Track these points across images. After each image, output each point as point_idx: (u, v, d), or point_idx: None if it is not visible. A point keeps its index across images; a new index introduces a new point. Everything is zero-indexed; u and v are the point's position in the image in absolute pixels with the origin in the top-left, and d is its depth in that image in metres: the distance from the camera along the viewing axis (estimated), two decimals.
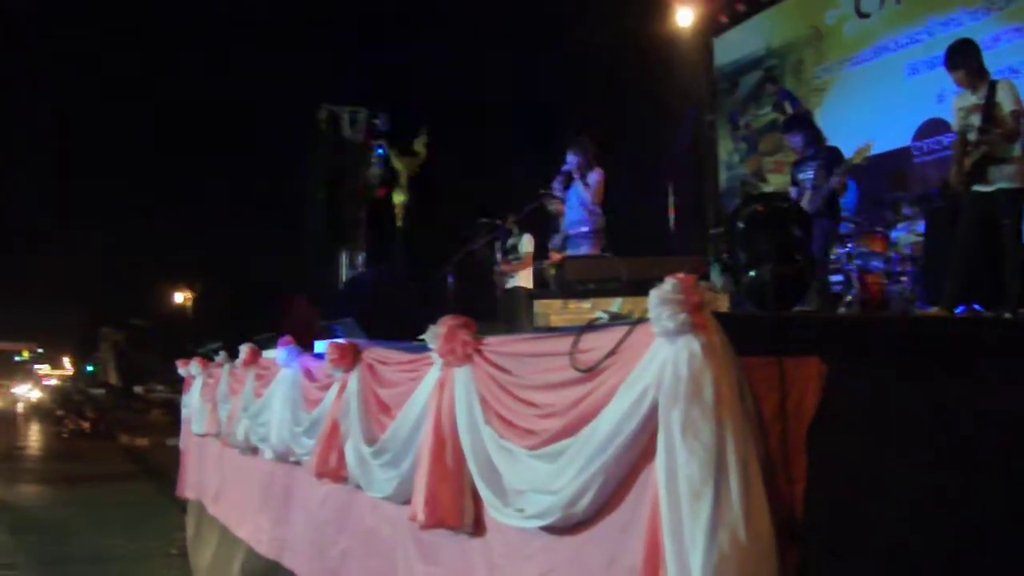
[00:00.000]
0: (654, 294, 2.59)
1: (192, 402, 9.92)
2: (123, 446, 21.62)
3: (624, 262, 3.37)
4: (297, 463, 6.44)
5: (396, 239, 12.95)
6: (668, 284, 2.59)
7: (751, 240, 3.08)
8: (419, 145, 13.46)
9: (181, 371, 10.45)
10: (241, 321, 10.94)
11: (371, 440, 4.83)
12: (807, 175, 7.89)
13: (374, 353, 5.28)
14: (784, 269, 2.96)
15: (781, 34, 13.38)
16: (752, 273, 2.97)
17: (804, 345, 2.86)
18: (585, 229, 8.35)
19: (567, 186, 8.82)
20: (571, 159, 8.67)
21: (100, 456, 19.22)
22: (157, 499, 13.09)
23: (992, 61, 10.36)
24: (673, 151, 13.93)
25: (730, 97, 14.27)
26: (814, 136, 8.02)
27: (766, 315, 2.90)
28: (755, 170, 13.67)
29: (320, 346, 7.00)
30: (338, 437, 5.32)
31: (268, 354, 8.05)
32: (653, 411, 2.62)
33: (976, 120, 6.60)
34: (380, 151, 14.11)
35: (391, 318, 6.39)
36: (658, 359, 2.62)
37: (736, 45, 14.16)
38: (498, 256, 10.86)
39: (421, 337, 4.29)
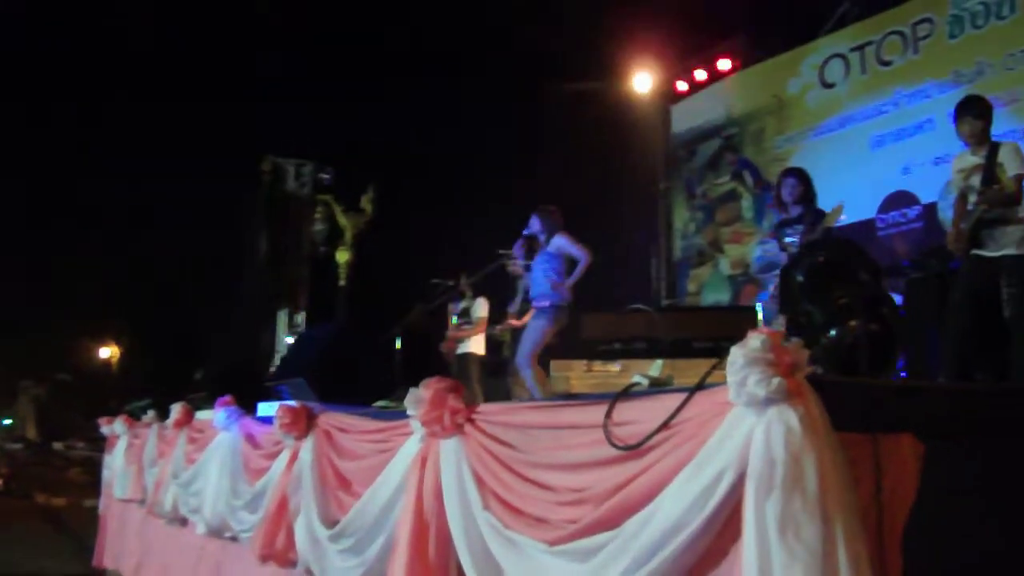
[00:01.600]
0: (738, 353, 2.04)
1: (115, 463, 9.05)
2: (39, 505, 20.29)
3: (662, 317, 2.81)
4: (234, 539, 5.74)
5: (339, 299, 12.28)
6: (756, 340, 2.04)
7: (819, 294, 2.58)
8: (366, 202, 12.86)
9: (104, 429, 9.61)
10: (172, 379, 10.15)
11: (329, 521, 4.17)
12: (794, 239, 7.35)
13: (332, 419, 4.64)
14: (874, 327, 2.47)
15: (741, 102, 13.10)
16: (832, 332, 2.46)
17: (894, 419, 2.33)
18: (547, 303, 7.63)
19: (529, 251, 8.14)
20: (535, 224, 8.01)
21: (12, 515, 17.92)
22: (71, 565, 12.04)
23: None
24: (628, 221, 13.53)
25: (687, 165, 13.93)
26: (807, 194, 7.45)
27: (859, 382, 2.39)
28: (712, 240, 13.30)
29: (264, 409, 6.33)
30: (287, 515, 4.66)
31: (203, 415, 7.35)
32: (731, 500, 2.06)
33: (976, 181, 6.23)
34: (325, 206, 13.51)
35: (348, 381, 5.74)
36: (738, 435, 2.06)
37: (694, 113, 13.85)
38: (453, 319, 10.30)
39: (381, 404, 3.70)
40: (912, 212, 10.63)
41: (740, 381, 2.02)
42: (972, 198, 6.25)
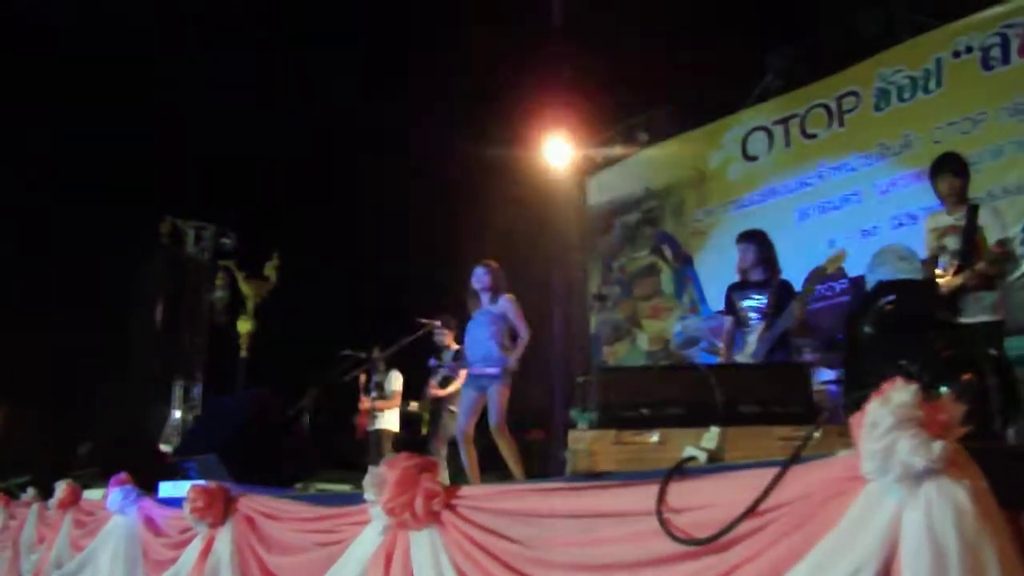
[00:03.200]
0: (883, 412, 1.50)
1: None
2: None
3: (712, 372, 2.27)
4: None
5: (239, 371, 11.46)
6: (904, 394, 1.51)
7: (904, 347, 2.09)
8: (270, 269, 12.13)
9: None
10: (55, 454, 9.19)
11: None
12: (754, 303, 6.81)
13: (256, 503, 3.95)
14: (993, 379, 2.00)
15: (661, 175, 12.83)
16: (943, 389, 1.97)
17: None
18: (497, 369, 7.02)
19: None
20: (480, 275, 7.42)
21: None
22: None
23: (888, 207, 10.15)
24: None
25: (603, 238, 13.58)
26: (768, 257, 6.96)
27: (1005, 448, 1.90)
28: (629, 315, 12.90)
29: (167, 489, 5.55)
30: None
31: (92, 495, 6.52)
32: None
33: (952, 243, 5.94)
34: (226, 272, 12.71)
35: (267, 459, 5.03)
36: (880, 519, 1.51)
37: (612, 185, 13.52)
38: (372, 394, 9.63)
39: (303, 484, 3.05)
40: (839, 286, 10.38)
41: (886, 448, 1.48)
42: (945, 259, 5.96)
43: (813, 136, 10.99)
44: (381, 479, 2.67)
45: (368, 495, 2.72)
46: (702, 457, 2.01)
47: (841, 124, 10.72)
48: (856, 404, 1.96)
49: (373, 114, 13.16)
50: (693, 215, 12.28)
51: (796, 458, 1.71)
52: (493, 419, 6.96)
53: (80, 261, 12.17)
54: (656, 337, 12.49)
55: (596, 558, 2.00)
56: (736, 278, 7.17)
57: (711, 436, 2.05)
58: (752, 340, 6.68)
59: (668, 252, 12.55)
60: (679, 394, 2.25)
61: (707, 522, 1.82)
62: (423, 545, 2.53)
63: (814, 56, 11.14)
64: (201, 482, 4.43)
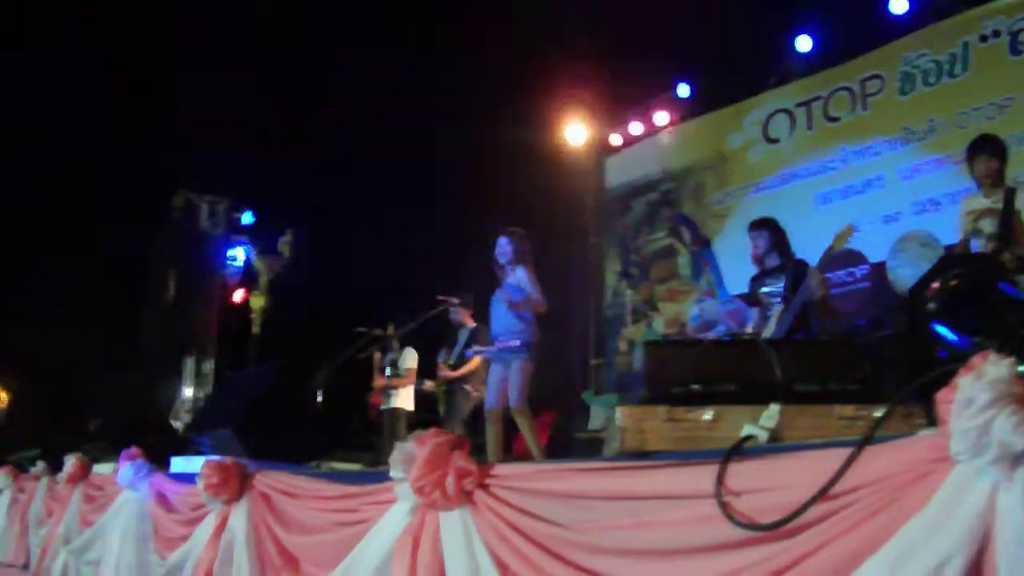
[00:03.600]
0: (978, 387, 1.39)
1: None
2: None
3: (748, 352, 2.15)
4: None
5: (251, 348, 11.36)
6: (1000, 367, 1.39)
7: (969, 321, 1.97)
8: (284, 245, 12.01)
9: None
10: (66, 428, 9.11)
11: None
12: (773, 288, 6.80)
13: (273, 479, 3.85)
14: None
15: (680, 157, 12.68)
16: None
17: None
18: (518, 342, 6.92)
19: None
20: (504, 246, 7.26)
21: None
22: None
23: (911, 193, 10.00)
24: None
25: (620, 220, 13.44)
26: (780, 242, 6.93)
27: None
28: (646, 298, 12.77)
29: (179, 464, 5.46)
30: None
31: (102, 469, 6.44)
32: None
33: (988, 226, 5.82)
34: (240, 247, 12.59)
35: (282, 435, 4.92)
36: (971, 504, 1.40)
37: (629, 167, 13.38)
38: (387, 372, 9.53)
39: (317, 462, 2.96)
40: (860, 271, 10.24)
41: (981, 427, 1.36)
42: (980, 242, 5.84)
43: (836, 119, 10.83)
44: (409, 456, 2.56)
45: (395, 472, 2.60)
46: (762, 436, 1.90)
47: (865, 107, 10.56)
48: (930, 384, 1.86)
49: (392, 89, 13.03)
50: (712, 197, 12.13)
51: (871, 438, 1.59)
52: (514, 396, 6.85)
53: (91, 234, 12.08)
54: (672, 320, 12.36)
55: (647, 543, 1.88)
56: (752, 267, 7.15)
57: (771, 414, 1.94)
58: (772, 322, 6.64)
59: (686, 234, 12.40)
60: (732, 370, 2.13)
61: (770, 506, 1.71)
62: (454, 526, 2.42)
63: (838, 38, 10.97)
64: (216, 457, 4.34)
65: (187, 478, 4.98)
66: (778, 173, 11.25)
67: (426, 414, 9.46)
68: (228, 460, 4.09)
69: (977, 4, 9.71)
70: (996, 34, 9.48)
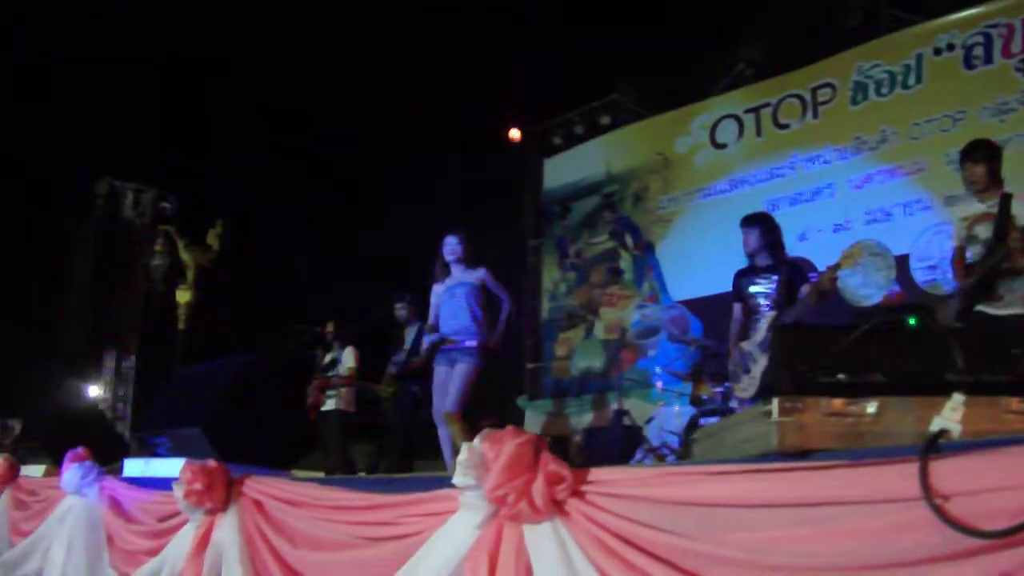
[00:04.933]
0: None
1: None
2: None
3: (891, 338, 1.87)
4: None
5: (177, 343, 10.79)
6: None
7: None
8: (213, 237, 11.47)
9: None
10: None
11: None
12: (762, 288, 6.53)
13: (267, 485, 3.45)
14: None
15: (623, 159, 12.48)
16: None
17: None
18: (473, 343, 6.63)
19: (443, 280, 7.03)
20: (454, 245, 6.97)
21: None
22: None
23: (862, 203, 9.95)
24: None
25: (560, 222, 13.19)
26: (773, 241, 6.66)
27: None
28: (585, 302, 12.54)
29: (135, 467, 4.98)
30: None
31: (30, 471, 5.93)
32: None
33: (984, 231, 5.67)
34: (166, 240, 11.99)
35: (258, 435, 4.51)
36: None
37: (571, 168, 13.13)
38: (328, 372, 9.09)
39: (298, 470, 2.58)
40: (812, 277, 10.16)
41: None
42: (975, 249, 5.71)
43: (786, 126, 10.77)
44: (481, 459, 2.21)
45: (461, 479, 2.25)
46: (955, 431, 1.62)
47: (816, 116, 10.51)
48: None
49: (330, 80, 12.58)
50: (657, 201, 11.97)
51: None
52: (452, 398, 6.49)
53: (6, 223, 11.35)
54: (613, 325, 12.16)
55: (827, 559, 1.59)
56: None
57: (954, 405, 1.66)
58: (763, 327, 6.42)
59: (629, 239, 12.22)
60: (890, 356, 1.85)
61: (987, 511, 1.44)
62: (545, 541, 2.07)
63: (788, 47, 10.92)
64: (197, 460, 3.91)
65: (147, 483, 4.53)
66: (726, 178, 11.14)
67: (367, 417, 9.06)
68: (213, 463, 3.67)
69: (931, 17, 9.73)
70: (950, 47, 9.51)
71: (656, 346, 11.51)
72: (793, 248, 8.28)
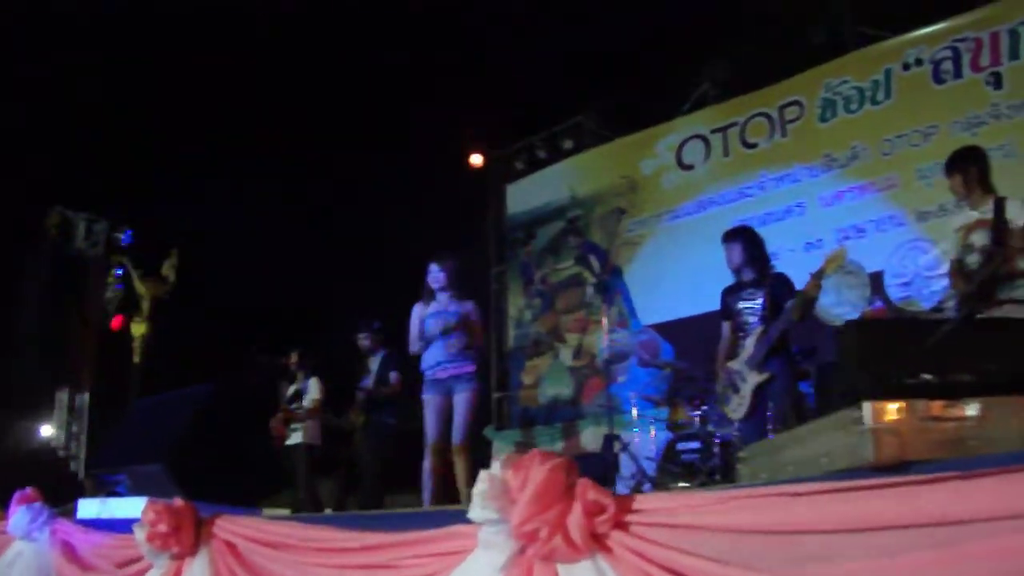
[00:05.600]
0: None
1: None
2: None
3: (974, 335, 1.64)
4: None
5: (132, 378, 10.37)
6: None
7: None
8: (168, 268, 11.08)
9: None
10: None
11: None
12: (749, 304, 6.38)
13: (241, 525, 3.13)
14: None
15: (588, 183, 12.27)
16: None
17: None
18: (467, 369, 6.45)
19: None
20: (436, 273, 6.78)
21: None
22: None
23: (834, 220, 9.82)
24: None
25: (524, 248, 12.95)
26: (756, 255, 6.52)
27: None
28: (551, 328, 12.29)
29: (89, 508, 4.63)
30: None
31: None
32: None
33: (979, 238, 5.52)
34: (120, 272, 11.56)
35: (224, 471, 4.18)
36: None
37: (534, 193, 12.90)
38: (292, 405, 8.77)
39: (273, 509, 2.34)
40: None
41: None
42: (974, 258, 5.55)
43: (754, 146, 10.63)
44: (504, 489, 1.93)
45: (480, 512, 1.96)
46: None
47: (784, 134, 10.40)
48: None
49: (283, 107, 12.28)
50: (624, 225, 11.76)
51: None
52: (460, 431, 6.30)
53: None
54: (581, 351, 11.91)
55: None
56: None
57: None
58: (750, 343, 6.24)
59: (595, 263, 12.00)
60: (972, 355, 1.62)
61: None
62: None
63: (754, 65, 10.81)
64: (161, 500, 3.58)
65: (104, 525, 4.19)
66: (694, 200, 10.97)
67: (334, 449, 8.74)
68: (179, 502, 3.35)
69: (897, 33, 9.67)
70: (919, 62, 9.44)
71: (626, 371, 11.27)
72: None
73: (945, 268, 8.76)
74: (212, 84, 11.60)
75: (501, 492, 1.95)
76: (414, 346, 6.74)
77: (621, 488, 8.92)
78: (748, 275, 6.43)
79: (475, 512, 1.98)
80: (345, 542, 2.52)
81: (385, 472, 8.00)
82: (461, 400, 6.38)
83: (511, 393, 12.62)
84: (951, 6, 9.37)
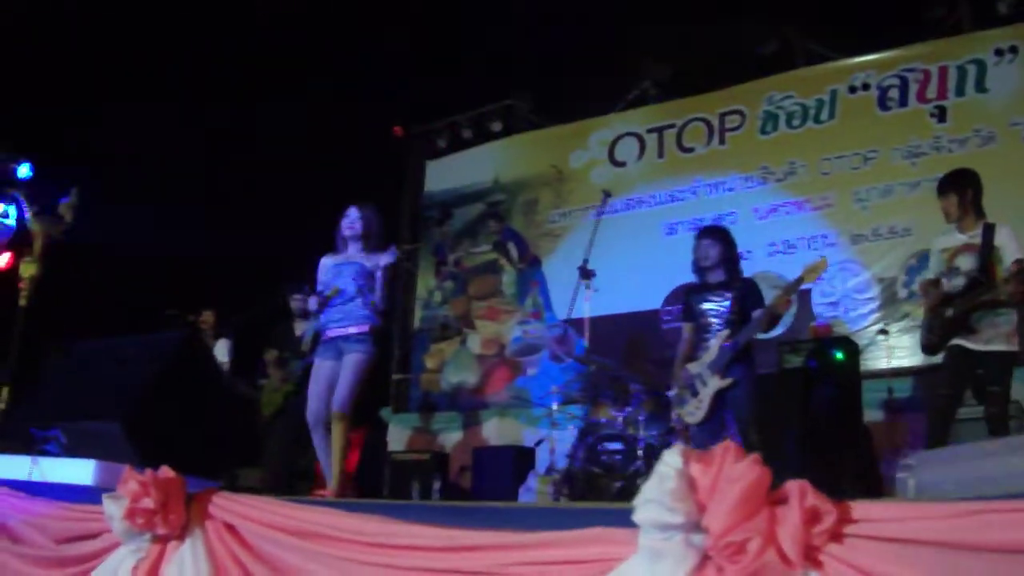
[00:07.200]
0: None
1: None
2: None
3: None
4: None
5: (16, 324, 9.55)
6: None
7: None
8: (67, 208, 10.23)
9: None
10: None
11: None
12: (715, 306, 6.24)
13: (248, 506, 2.73)
14: None
15: (513, 168, 11.96)
16: None
17: None
18: (365, 327, 5.84)
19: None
20: (353, 219, 6.23)
21: None
22: None
23: (765, 233, 9.79)
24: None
25: (439, 228, 12.55)
26: (730, 258, 6.40)
27: None
28: (461, 313, 11.93)
29: (7, 468, 4.02)
30: None
31: None
32: None
33: (965, 263, 5.51)
34: (13, 206, 10.67)
35: (187, 436, 3.72)
36: None
37: (456, 172, 12.50)
38: None
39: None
40: None
41: None
42: (956, 281, 5.52)
43: (690, 150, 10.56)
44: (686, 488, 1.64)
45: (661, 514, 1.66)
46: None
47: (722, 142, 10.35)
48: None
49: (206, 48, 11.59)
50: (547, 215, 11.53)
51: None
52: (342, 395, 5.64)
53: None
54: (490, 340, 11.61)
55: None
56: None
57: None
58: (713, 345, 6.11)
59: (513, 251, 11.73)
60: None
61: None
62: None
63: (698, 69, 10.73)
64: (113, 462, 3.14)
65: (29, 489, 3.68)
66: (622, 198, 10.76)
67: (245, 420, 8.21)
68: (169, 473, 2.91)
69: (847, 54, 9.72)
70: (865, 87, 9.52)
71: (537, 365, 11.05)
72: (687, 273, 7.90)
73: (874, 292, 9.00)
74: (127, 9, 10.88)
75: (682, 494, 1.65)
76: (312, 304, 6.05)
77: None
78: (717, 276, 6.33)
79: (651, 513, 1.67)
80: (429, 540, 2.15)
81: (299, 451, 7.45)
82: (350, 361, 5.72)
83: (412, 376, 12.22)
84: (902, 36, 9.47)
